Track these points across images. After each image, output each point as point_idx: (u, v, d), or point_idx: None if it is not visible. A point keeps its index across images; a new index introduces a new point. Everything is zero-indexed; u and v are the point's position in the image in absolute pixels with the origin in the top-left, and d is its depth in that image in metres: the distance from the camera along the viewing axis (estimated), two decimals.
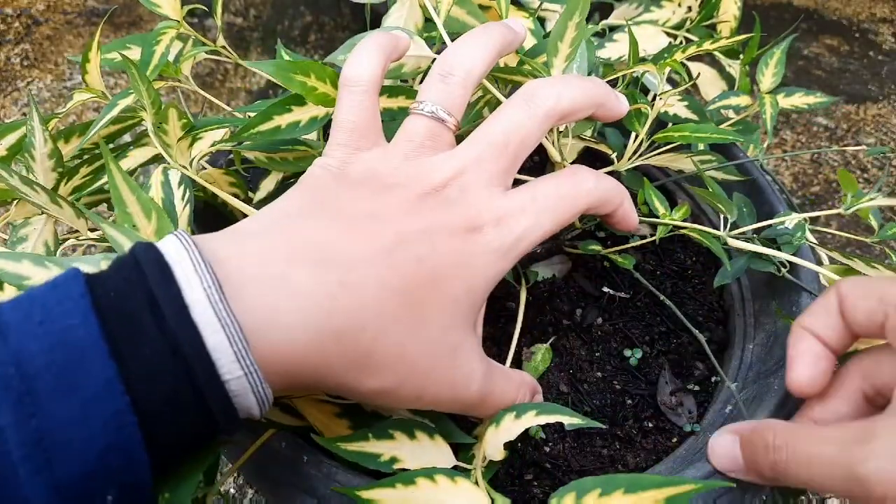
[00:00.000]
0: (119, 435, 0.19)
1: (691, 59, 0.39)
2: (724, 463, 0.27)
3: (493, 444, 0.26)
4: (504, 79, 0.34)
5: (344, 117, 0.27)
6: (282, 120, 0.31)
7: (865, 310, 0.25)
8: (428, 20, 0.35)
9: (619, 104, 0.30)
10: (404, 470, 0.25)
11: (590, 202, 0.28)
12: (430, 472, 0.24)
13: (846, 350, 0.26)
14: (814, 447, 0.23)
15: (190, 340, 0.20)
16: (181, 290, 0.20)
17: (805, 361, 0.26)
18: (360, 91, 0.28)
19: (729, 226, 0.33)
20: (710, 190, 0.33)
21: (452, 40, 0.31)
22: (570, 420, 0.25)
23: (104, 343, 0.19)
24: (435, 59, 0.31)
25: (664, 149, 0.38)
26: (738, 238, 0.32)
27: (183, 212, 0.31)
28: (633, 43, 0.35)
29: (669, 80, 0.39)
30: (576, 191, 0.28)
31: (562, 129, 0.33)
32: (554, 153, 0.32)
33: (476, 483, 0.25)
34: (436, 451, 0.26)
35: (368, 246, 0.24)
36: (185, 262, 0.21)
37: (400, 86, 0.34)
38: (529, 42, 0.36)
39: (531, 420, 0.26)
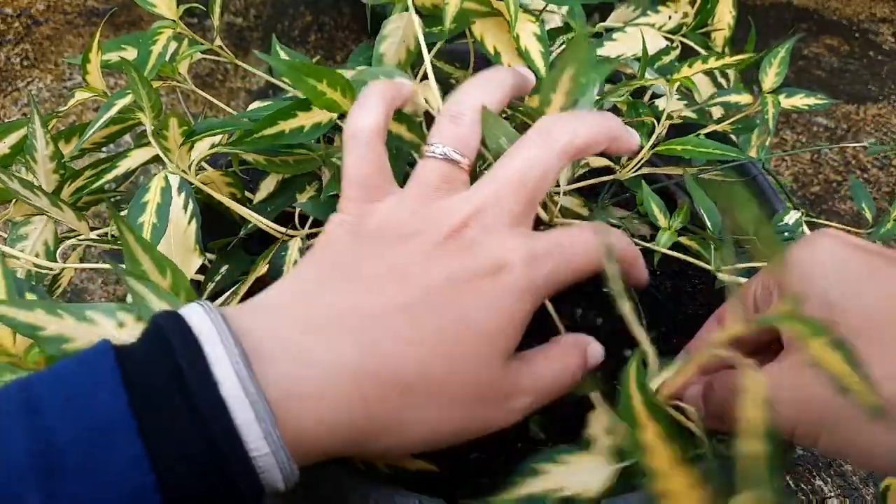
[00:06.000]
0: None
1: (680, 61, 0.40)
2: (690, 403, 0.28)
3: None
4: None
5: (353, 171, 0.27)
6: (286, 125, 0.32)
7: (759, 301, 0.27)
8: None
9: (630, 138, 0.30)
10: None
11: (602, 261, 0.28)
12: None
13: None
14: (731, 383, 0.25)
15: (218, 417, 0.20)
16: (209, 365, 0.20)
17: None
18: (366, 142, 0.27)
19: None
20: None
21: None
22: None
23: (132, 419, 0.19)
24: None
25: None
26: (730, 274, 0.33)
27: (188, 227, 0.30)
28: (645, 55, 0.35)
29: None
30: (591, 248, 0.27)
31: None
32: (541, 213, 0.32)
33: None
34: (591, 463, 0.26)
35: (388, 304, 0.24)
36: (212, 336, 0.21)
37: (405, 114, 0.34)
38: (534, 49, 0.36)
39: None
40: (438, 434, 0.24)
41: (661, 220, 0.35)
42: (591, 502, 0.24)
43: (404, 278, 0.24)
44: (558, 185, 0.35)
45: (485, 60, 0.36)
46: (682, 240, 0.35)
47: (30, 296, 0.27)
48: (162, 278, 0.26)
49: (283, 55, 0.41)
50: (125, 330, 0.24)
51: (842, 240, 0.25)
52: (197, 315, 0.21)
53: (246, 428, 0.20)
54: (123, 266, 0.26)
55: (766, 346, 0.28)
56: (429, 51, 0.36)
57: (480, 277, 0.24)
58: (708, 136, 0.39)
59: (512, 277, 0.25)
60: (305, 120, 0.32)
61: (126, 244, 0.26)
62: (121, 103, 0.34)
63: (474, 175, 0.29)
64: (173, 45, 0.38)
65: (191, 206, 0.31)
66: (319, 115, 0.32)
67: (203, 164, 0.38)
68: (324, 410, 0.22)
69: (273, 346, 0.22)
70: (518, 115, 0.32)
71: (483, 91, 0.29)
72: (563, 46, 0.41)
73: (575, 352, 0.28)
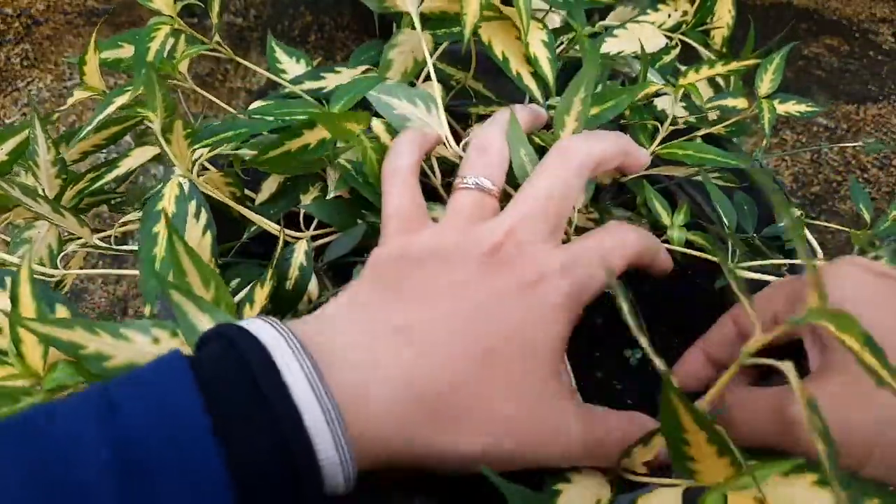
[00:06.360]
0: None
1: (680, 60, 0.40)
2: None
3: None
4: None
5: (392, 207, 0.29)
6: (292, 145, 0.32)
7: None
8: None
9: (640, 154, 0.32)
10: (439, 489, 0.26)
11: (633, 255, 0.29)
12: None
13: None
14: (756, 401, 0.26)
15: (290, 422, 0.20)
16: (280, 372, 0.21)
17: (685, 366, 0.32)
18: (403, 179, 0.29)
19: (738, 258, 0.34)
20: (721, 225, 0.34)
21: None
22: None
23: (207, 421, 0.19)
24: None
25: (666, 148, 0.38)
26: (747, 270, 0.33)
27: (203, 240, 0.30)
28: (645, 57, 0.35)
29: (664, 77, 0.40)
30: (622, 244, 0.29)
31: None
32: None
33: None
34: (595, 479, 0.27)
35: (441, 318, 0.25)
36: (281, 343, 0.22)
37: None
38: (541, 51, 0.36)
39: None
40: (493, 448, 0.24)
41: (665, 218, 0.35)
42: None
43: (453, 294, 0.25)
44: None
45: (487, 62, 0.36)
46: (689, 235, 0.35)
47: (61, 309, 0.27)
48: (206, 291, 0.26)
49: (279, 53, 0.41)
50: (160, 346, 0.25)
51: (866, 267, 0.26)
52: (261, 326, 0.22)
53: (315, 432, 0.21)
54: (138, 273, 0.26)
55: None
56: (433, 53, 0.36)
57: (522, 289, 0.26)
58: (705, 138, 0.39)
59: (551, 286, 0.26)
60: (311, 138, 0.32)
61: (175, 255, 0.26)
62: (119, 100, 0.34)
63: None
64: (171, 41, 0.37)
65: (203, 215, 0.31)
66: (324, 132, 0.33)
67: (205, 163, 0.38)
68: (387, 415, 0.23)
69: (336, 354, 0.23)
70: (534, 141, 0.33)
71: (504, 127, 0.31)
72: (563, 46, 0.41)
73: (643, 425, 0.28)
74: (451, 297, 0.25)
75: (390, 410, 0.23)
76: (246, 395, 0.21)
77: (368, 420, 0.22)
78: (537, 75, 0.36)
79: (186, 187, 0.31)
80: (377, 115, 0.34)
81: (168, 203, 0.31)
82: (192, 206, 0.31)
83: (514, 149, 0.30)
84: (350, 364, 0.23)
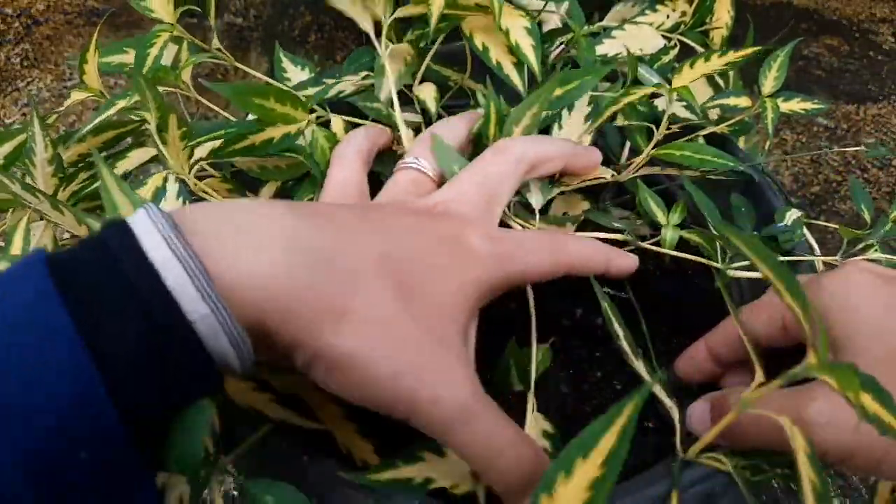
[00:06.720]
0: (80, 387, 0.18)
1: (679, 61, 0.40)
2: (698, 427, 0.29)
3: None
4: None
5: (333, 181, 0.31)
6: (255, 139, 0.33)
7: (764, 323, 0.29)
8: None
9: (589, 156, 0.33)
10: (440, 489, 0.25)
11: (568, 263, 0.29)
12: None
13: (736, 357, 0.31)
14: (764, 402, 0.25)
15: (148, 282, 0.19)
16: (137, 238, 0.20)
17: (688, 356, 0.32)
18: (348, 161, 0.31)
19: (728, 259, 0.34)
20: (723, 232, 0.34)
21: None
22: None
23: (59, 298, 0.19)
24: None
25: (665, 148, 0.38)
26: (738, 269, 0.33)
27: None
28: (633, 63, 0.35)
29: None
30: (557, 247, 0.29)
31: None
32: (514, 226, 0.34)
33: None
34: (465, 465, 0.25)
35: (356, 224, 0.25)
36: (141, 216, 0.21)
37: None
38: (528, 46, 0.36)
39: None
40: (364, 354, 0.22)
41: (661, 217, 0.35)
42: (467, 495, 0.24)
43: (374, 219, 0.26)
44: (535, 217, 0.35)
45: (482, 61, 0.36)
46: (684, 233, 0.35)
47: None
48: None
49: (286, 62, 0.41)
50: None
51: (874, 272, 0.26)
52: (137, 214, 0.21)
53: (178, 289, 0.19)
54: None
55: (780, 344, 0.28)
56: (426, 53, 0.37)
57: (444, 237, 0.26)
58: (706, 137, 0.39)
59: (473, 245, 0.26)
60: (274, 132, 0.33)
61: (105, 188, 0.25)
62: (121, 104, 0.34)
63: None
64: (171, 47, 0.38)
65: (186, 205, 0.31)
66: (287, 127, 0.33)
67: (206, 165, 0.38)
68: (267, 267, 0.21)
69: (211, 219, 0.22)
70: (483, 143, 0.34)
71: (451, 127, 0.33)
72: (562, 47, 0.41)
73: (525, 456, 0.24)
74: (371, 219, 0.25)
75: (272, 267, 0.21)
76: (100, 266, 0.20)
77: (240, 272, 0.21)
78: (521, 65, 0.35)
79: (171, 186, 0.31)
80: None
81: (147, 193, 0.31)
82: (179, 203, 0.31)
83: (446, 166, 0.31)
84: (227, 222, 0.22)
